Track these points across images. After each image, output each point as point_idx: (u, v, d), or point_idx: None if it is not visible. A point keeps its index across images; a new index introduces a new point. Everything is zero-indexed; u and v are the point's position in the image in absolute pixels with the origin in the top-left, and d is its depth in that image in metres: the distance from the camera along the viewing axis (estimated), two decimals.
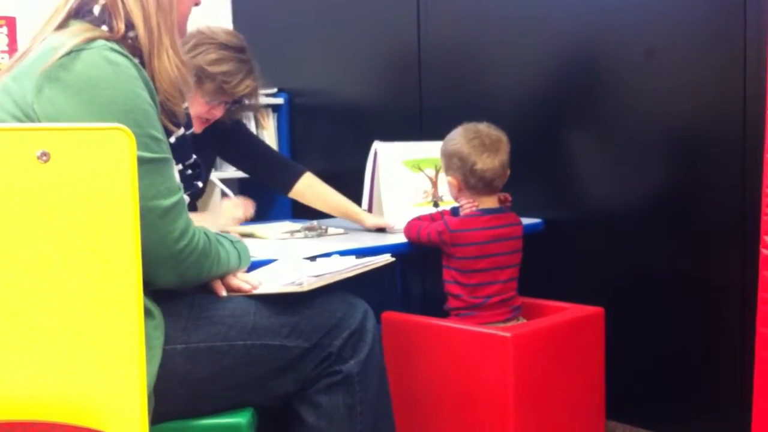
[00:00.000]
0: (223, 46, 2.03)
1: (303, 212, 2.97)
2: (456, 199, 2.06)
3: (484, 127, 2.00)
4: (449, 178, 2.02)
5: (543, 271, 2.46)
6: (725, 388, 2.10)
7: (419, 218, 2.10)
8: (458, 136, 1.99)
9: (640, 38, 2.18)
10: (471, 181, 1.98)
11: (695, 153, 2.12)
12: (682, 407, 2.20)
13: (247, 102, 2.13)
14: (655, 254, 2.22)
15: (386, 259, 1.61)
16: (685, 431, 2.19)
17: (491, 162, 1.95)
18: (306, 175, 2.31)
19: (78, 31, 1.25)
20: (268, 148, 2.40)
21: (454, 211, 2.07)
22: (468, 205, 2.00)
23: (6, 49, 2.67)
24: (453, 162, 1.99)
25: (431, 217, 2.11)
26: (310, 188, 2.32)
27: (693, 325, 2.15)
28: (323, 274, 1.43)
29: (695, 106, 2.11)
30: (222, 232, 1.49)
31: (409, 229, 2.06)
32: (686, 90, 2.11)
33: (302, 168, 2.33)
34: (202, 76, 1.98)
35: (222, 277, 1.41)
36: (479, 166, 1.95)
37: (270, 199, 3.25)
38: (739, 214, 2.02)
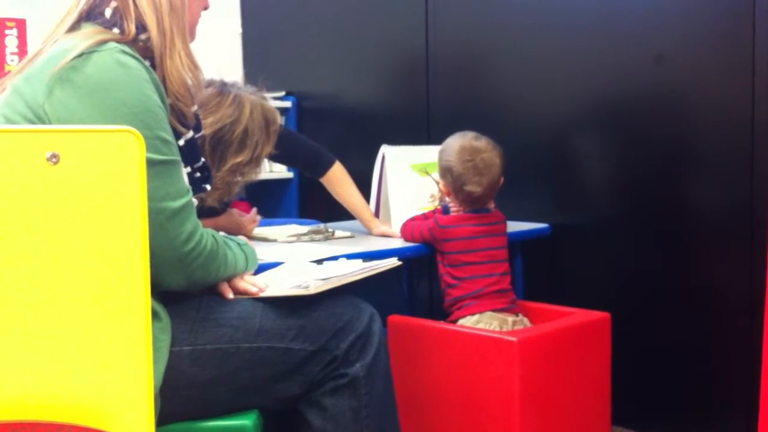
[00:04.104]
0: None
1: (310, 213, 2.98)
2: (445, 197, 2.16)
3: (482, 145, 2.02)
4: (441, 183, 2.10)
5: (549, 275, 2.45)
6: (732, 394, 2.09)
7: (413, 219, 2.17)
8: (454, 154, 2.02)
9: (649, 43, 2.18)
10: (459, 196, 2.05)
11: (703, 157, 2.12)
12: (689, 413, 2.19)
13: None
14: (662, 259, 2.21)
15: (393, 262, 1.61)
16: None
17: (480, 185, 2.01)
18: (335, 165, 2.31)
19: (89, 34, 1.25)
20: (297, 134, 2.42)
21: (445, 209, 2.13)
22: (455, 209, 2.08)
23: (16, 51, 2.69)
24: (446, 175, 2.06)
25: (424, 217, 2.17)
26: (330, 182, 2.33)
27: (700, 330, 2.14)
28: (330, 278, 1.43)
29: (703, 111, 2.10)
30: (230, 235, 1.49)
31: (404, 230, 2.14)
32: (695, 94, 2.11)
33: (332, 157, 2.33)
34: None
35: (229, 280, 1.41)
36: (468, 188, 2.02)
37: (277, 200, 3.26)
38: (747, 219, 2.02)
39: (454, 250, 2.03)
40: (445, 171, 2.05)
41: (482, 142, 2.02)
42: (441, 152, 2.08)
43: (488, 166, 2.01)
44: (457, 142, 2.05)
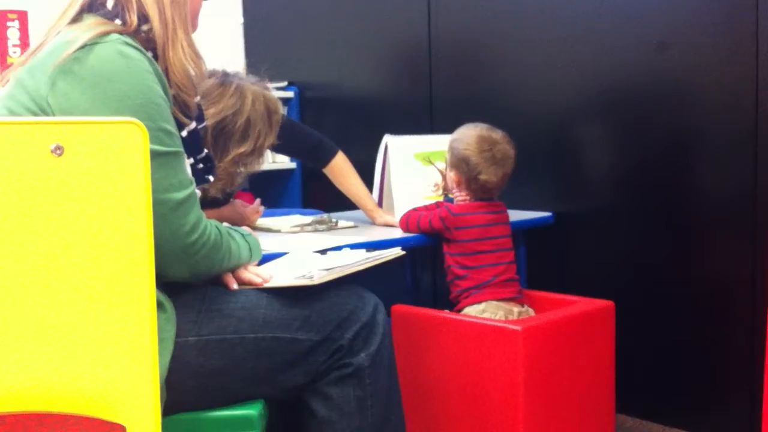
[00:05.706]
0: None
1: (313, 204, 2.99)
2: (451, 191, 2.14)
3: (499, 137, 2.04)
4: (451, 174, 2.08)
5: (553, 264, 2.46)
6: (735, 382, 2.09)
7: (415, 209, 2.15)
8: (473, 143, 2.03)
9: (652, 31, 2.17)
10: (472, 186, 2.05)
11: (706, 146, 2.11)
12: (692, 401, 2.19)
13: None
14: (665, 248, 2.21)
15: (396, 252, 1.61)
16: (694, 425, 2.19)
17: (495, 175, 2.03)
18: (337, 155, 2.31)
19: (92, 25, 1.25)
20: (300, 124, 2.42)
21: (449, 201, 2.14)
22: (461, 197, 2.08)
23: (18, 43, 2.68)
24: (460, 165, 2.05)
25: (426, 208, 2.16)
26: (333, 172, 2.33)
27: (703, 318, 2.14)
28: (334, 268, 1.43)
29: (707, 99, 2.10)
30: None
31: (407, 221, 2.11)
32: (698, 82, 2.11)
33: (335, 147, 2.33)
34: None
35: (233, 270, 1.41)
36: (484, 177, 2.02)
37: (280, 190, 3.27)
38: (750, 207, 2.02)
39: (468, 238, 2.03)
40: (461, 160, 2.04)
41: (499, 134, 2.05)
42: (455, 141, 2.07)
43: (505, 157, 2.03)
44: (473, 132, 2.05)
